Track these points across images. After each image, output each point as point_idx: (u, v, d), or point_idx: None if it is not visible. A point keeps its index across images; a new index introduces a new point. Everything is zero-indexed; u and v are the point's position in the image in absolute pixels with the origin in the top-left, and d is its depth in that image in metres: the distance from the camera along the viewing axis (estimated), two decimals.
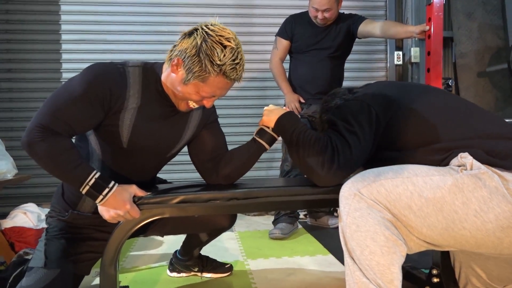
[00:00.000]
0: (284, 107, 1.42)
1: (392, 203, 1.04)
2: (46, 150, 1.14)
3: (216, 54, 1.18)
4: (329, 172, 1.16)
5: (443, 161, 1.11)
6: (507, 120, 3.29)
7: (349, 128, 1.19)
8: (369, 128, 1.19)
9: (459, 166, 1.06)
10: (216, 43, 1.18)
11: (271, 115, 1.37)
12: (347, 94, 1.43)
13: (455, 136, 1.13)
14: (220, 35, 1.20)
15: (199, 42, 1.19)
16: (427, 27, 2.31)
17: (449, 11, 3.71)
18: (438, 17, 2.32)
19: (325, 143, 1.18)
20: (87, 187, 1.17)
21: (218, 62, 1.18)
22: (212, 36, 1.19)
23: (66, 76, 3.35)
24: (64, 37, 3.36)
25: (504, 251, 1.04)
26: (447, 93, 1.33)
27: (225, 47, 1.19)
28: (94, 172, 1.19)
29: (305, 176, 1.23)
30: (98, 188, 1.18)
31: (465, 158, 1.06)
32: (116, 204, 1.19)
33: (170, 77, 1.28)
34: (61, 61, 3.36)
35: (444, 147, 1.12)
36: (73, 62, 3.37)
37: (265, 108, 1.42)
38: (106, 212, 1.20)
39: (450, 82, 3.07)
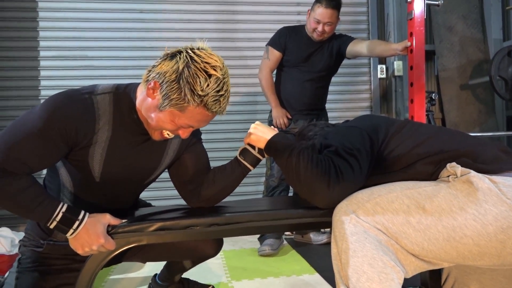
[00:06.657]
0: (272, 127, 1.35)
1: (390, 221, 1.02)
2: (2, 192, 1.04)
3: (199, 83, 1.05)
4: (334, 192, 1.09)
5: (433, 175, 1.13)
6: (489, 134, 3.29)
7: (347, 151, 1.15)
8: (365, 151, 1.17)
9: (448, 176, 1.07)
10: (200, 71, 1.06)
11: (260, 135, 1.29)
12: (330, 126, 1.43)
13: (442, 149, 1.15)
14: (206, 62, 1.07)
15: (180, 67, 1.06)
16: (409, 43, 2.31)
17: (430, 25, 3.75)
18: (420, 32, 2.32)
19: (328, 164, 1.12)
20: (55, 223, 1.09)
21: (200, 92, 1.06)
22: (196, 62, 1.06)
23: (45, 93, 3.26)
24: (42, 53, 3.28)
25: (507, 258, 1.00)
26: (424, 123, 1.38)
27: (210, 76, 1.06)
28: (61, 205, 1.10)
29: (302, 197, 1.17)
30: (67, 222, 1.09)
31: (453, 167, 1.07)
32: (88, 238, 1.10)
33: (145, 101, 1.16)
34: (39, 78, 3.27)
35: (433, 161, 1.14)
36: (53, 79, 3.29)
37: (252, 125, 1.33)
38: (79, 246, 1.11)
39: (433, 95, 3.06)
